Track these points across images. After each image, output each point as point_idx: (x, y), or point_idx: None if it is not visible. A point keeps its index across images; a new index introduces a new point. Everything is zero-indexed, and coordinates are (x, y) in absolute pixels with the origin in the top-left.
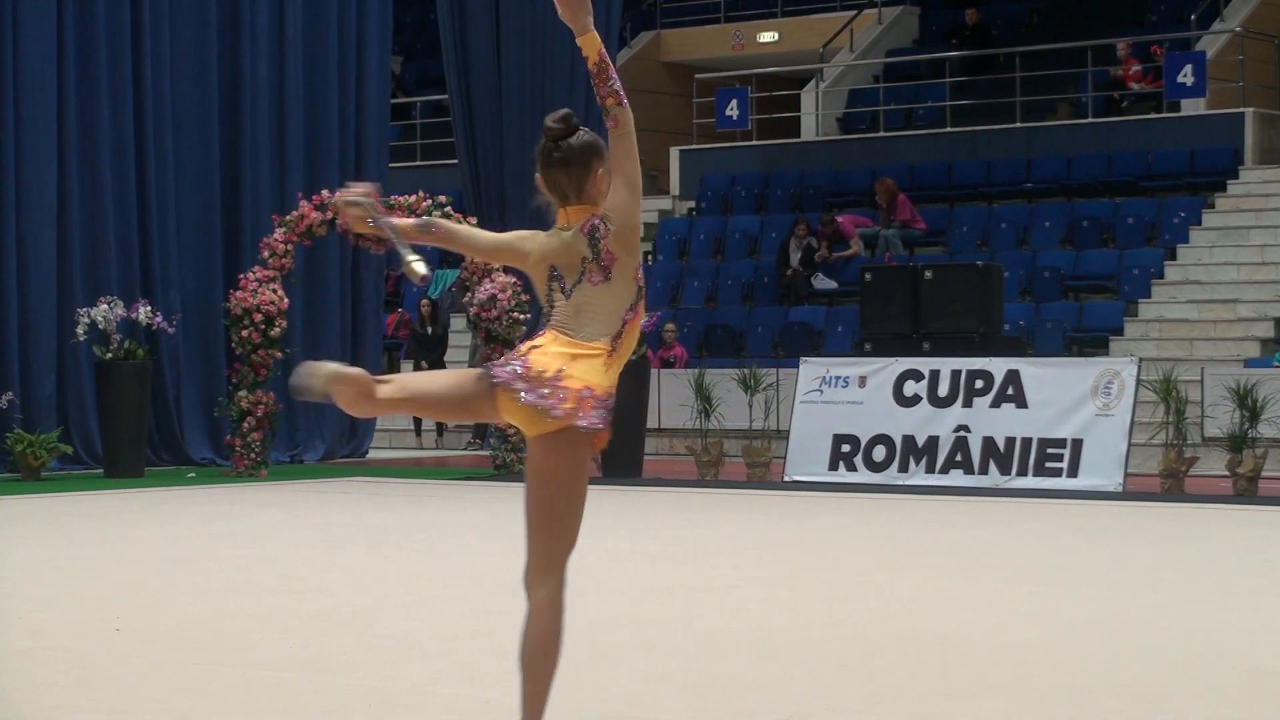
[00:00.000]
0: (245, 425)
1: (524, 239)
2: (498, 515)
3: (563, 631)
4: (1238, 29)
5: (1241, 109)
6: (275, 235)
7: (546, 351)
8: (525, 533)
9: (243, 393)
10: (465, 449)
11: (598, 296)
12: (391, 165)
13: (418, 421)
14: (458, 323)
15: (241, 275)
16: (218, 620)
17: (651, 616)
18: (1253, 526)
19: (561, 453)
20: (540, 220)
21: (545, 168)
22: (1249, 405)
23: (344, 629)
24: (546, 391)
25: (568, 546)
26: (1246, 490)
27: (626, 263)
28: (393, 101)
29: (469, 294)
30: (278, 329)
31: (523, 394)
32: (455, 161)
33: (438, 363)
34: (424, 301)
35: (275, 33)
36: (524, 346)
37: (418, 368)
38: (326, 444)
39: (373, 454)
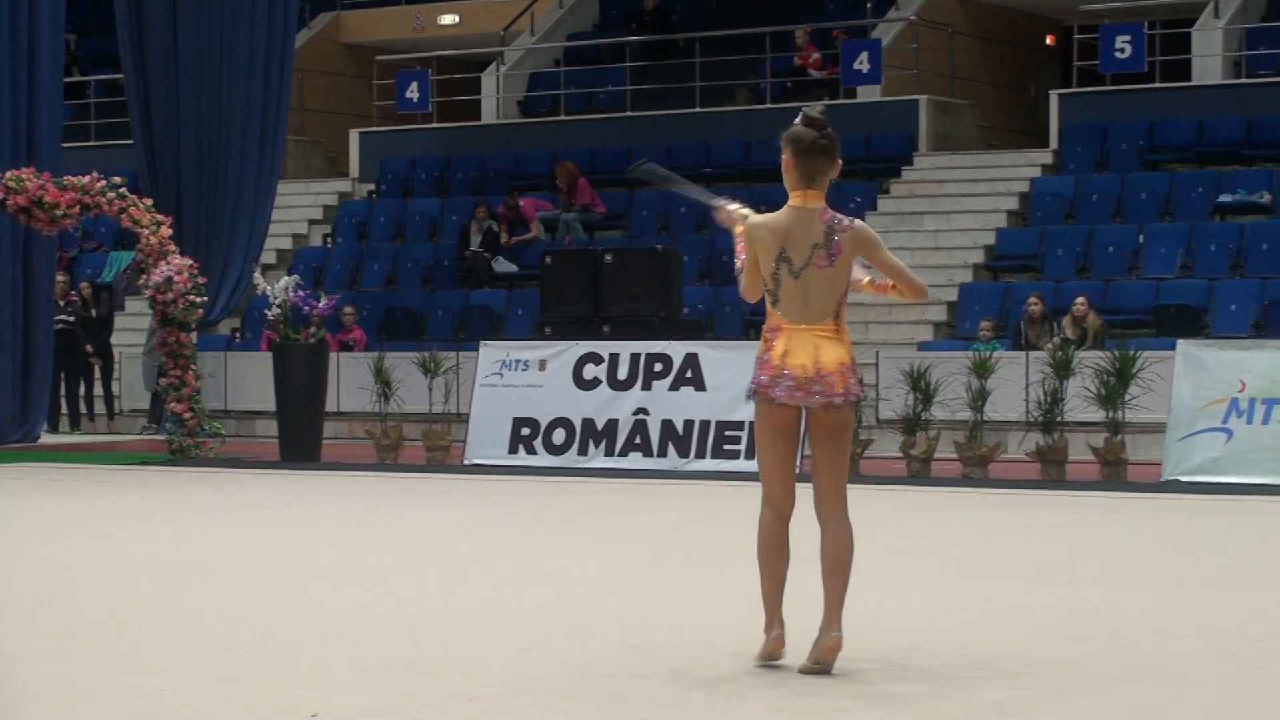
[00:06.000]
0: None
1: (753, 226)
2: (175, 499)
3: (853, 546)
4: (912, 17)
5: (916, 96)
6: None
7: (797, 354)
8: (814, 476)
9: None
10: (140, 433)
11: (821, 280)
12: (65, 145)
13: (74, 410)
14: (138, 305)
15: None
16: None
17: (332, 602)
18: (926, 508)
19: (840, 417)
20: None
21: (806, 152)
22: (922, 388)
23: (18, 617)
24: (819, 388)
25: (846, 481)
26: (920, 471)
27: (848, 261)
28: (66, 80)
29: (144, 276)
30: None
31: (805, 399)
32: (130, 142)
33: (103, 346)
34: (84, 284)
35: None
36: (775, 356)
37: (80, 351)
38: None
39: (45, 439)
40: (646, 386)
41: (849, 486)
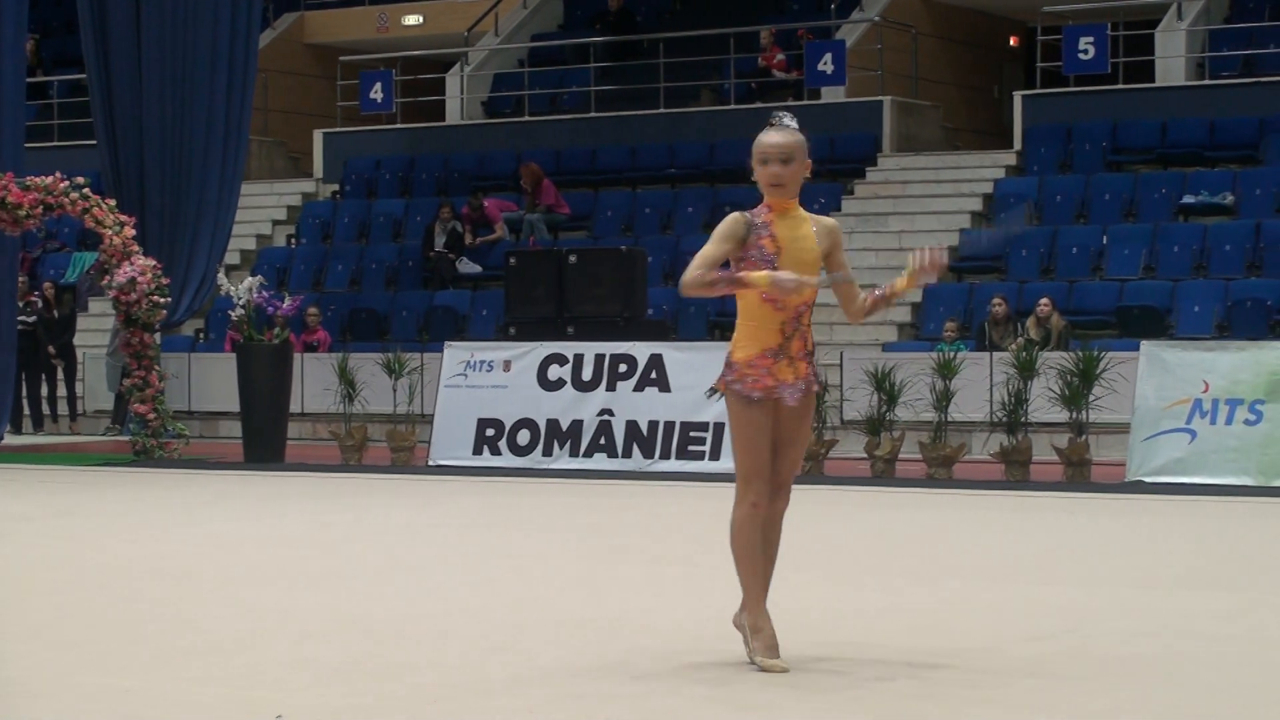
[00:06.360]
0: None
1: None
2: (139, 501)
3: (733, 530)
4: (876, 19)
5: (880, 97)
6: None
7: None
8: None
9: None
10: (104, 434)
11: None
12: (28, 145)
13: (36, 411)
14: (101, 305)
15: None
16: None
17: (298, 602)
18: (889, 508)
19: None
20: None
21: None
22: (886, 389)
23: None
24: None
25: (743, 470)
26: (884, 472)
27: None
28: (29, 80)
29: (108, 277)
30: None
31: None
32: (94, 142)
33: (66, 347)
34: (47, 285)
35: None
36: None
37: (42, 352)
38: None
39: (8, 440)
40: (611, 387)
41: (824, 488)
